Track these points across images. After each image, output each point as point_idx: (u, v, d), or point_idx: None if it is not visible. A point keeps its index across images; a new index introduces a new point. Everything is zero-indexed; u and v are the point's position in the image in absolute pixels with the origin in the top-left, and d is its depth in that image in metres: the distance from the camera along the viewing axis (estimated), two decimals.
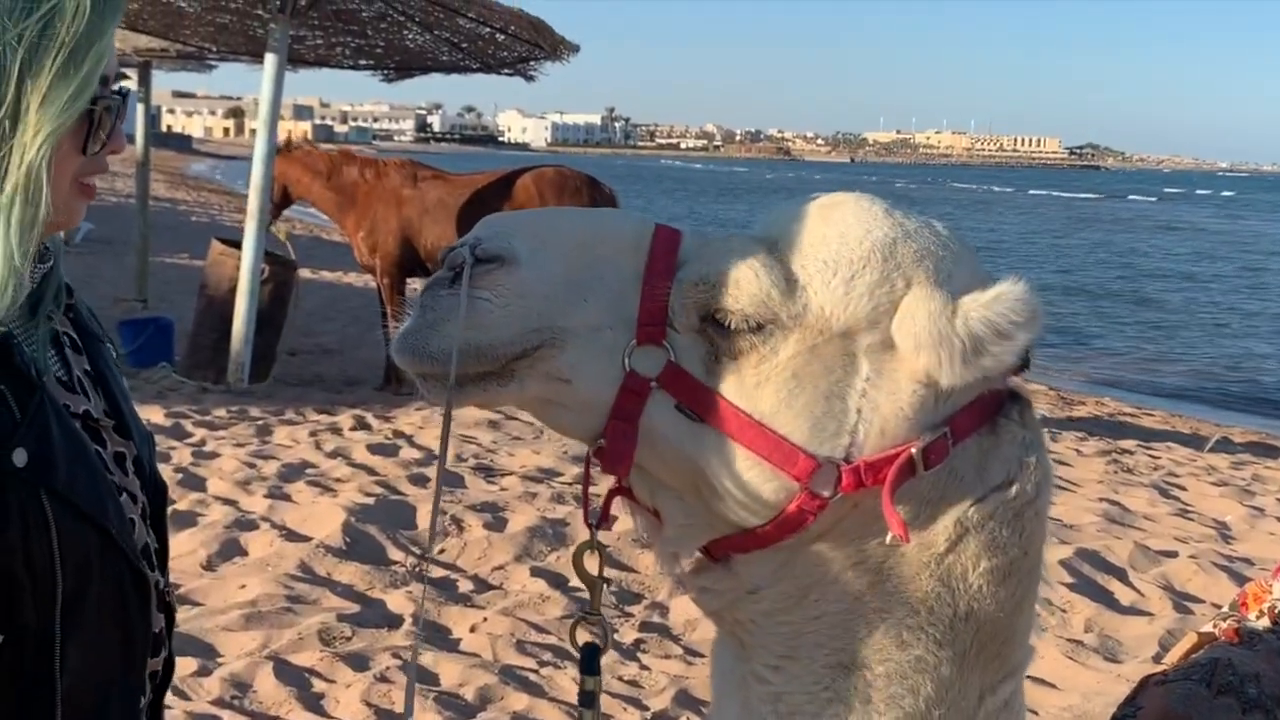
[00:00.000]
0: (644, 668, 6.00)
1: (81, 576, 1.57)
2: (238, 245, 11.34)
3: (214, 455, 8.98)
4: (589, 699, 1.71)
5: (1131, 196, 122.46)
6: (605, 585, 1.72)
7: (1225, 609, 2.67)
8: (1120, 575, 7.75)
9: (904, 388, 1.56)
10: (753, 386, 1.55)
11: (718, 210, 63.16)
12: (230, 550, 7.06)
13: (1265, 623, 2.46)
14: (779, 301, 1.55)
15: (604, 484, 1.70)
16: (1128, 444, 12.71)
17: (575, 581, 6.84)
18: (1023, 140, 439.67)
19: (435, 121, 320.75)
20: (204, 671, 5.51)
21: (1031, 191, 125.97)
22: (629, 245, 1.61)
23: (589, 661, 1.69)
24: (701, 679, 5.70)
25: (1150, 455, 12.20)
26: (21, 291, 1.52)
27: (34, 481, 1.52)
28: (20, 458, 1.51)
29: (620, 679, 5.76)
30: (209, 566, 6.85)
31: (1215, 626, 2.51)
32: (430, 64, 11.75)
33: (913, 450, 1.54)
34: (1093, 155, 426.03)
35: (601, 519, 1.67)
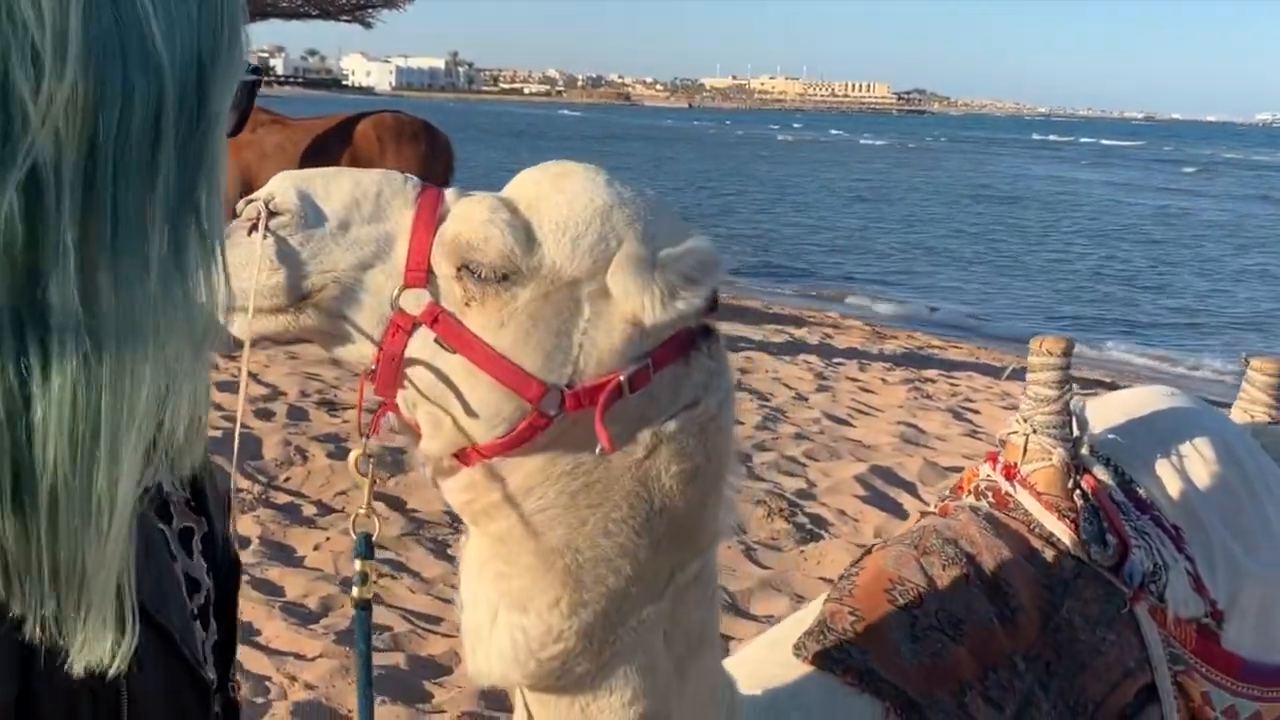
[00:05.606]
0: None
1: (138, 681, 1.24)
2: None
3: None
4: (363, 578, 2.02)
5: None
6: (373, 485, 1.99)
7: (945, 492, 3.13)
8: (910, 489, 8.37)
9: (616, 327, 1.85)
10: (497, 326, 1.82)
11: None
12: None
13: (972, 500, 2.92)
14: (520, 256, 1.82)
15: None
16: (931, 374, 13.38)
17: (412, 503, 7.35)
18: (853, 86, 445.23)
19: (278, 65, 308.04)
20: None
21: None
22: (399, 203, 1.88)
23: (364, 547, 1.95)
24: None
25: (950, 383, 12.83)
26: None
27: None
28: None
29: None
30: None
31: (935, 506, 2.98)
32: (269, 10, 11.82)
33: (621, 377, 1.83)
34: (919, 100, 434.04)
35: (372, 429, 1.94)
